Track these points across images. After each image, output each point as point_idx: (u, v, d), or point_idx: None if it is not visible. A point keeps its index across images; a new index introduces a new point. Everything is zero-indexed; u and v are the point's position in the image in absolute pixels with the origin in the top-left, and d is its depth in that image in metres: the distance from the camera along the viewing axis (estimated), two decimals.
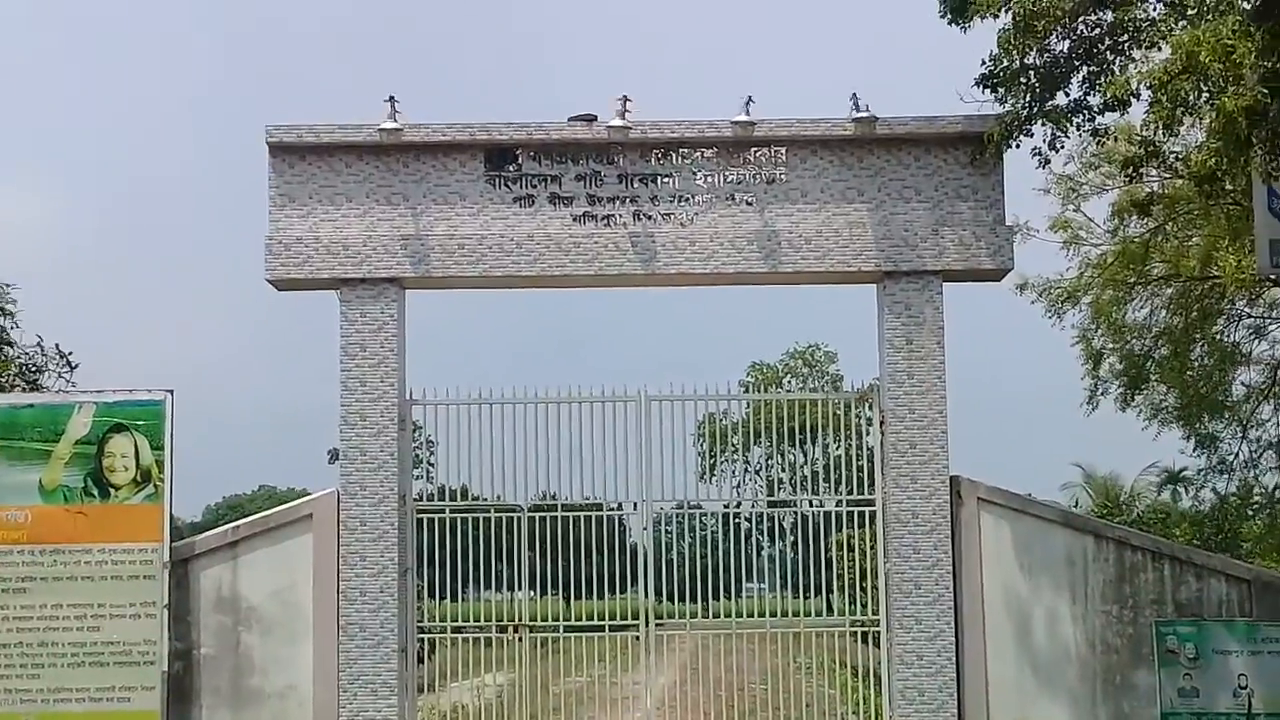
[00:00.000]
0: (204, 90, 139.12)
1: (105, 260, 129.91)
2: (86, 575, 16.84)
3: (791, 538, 18.74)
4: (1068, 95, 16.47)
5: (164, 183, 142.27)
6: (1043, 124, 16.61)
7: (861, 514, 17.94)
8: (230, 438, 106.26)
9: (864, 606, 18.10)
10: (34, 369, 22.48)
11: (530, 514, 17.92)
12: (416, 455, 18.73)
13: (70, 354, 22.75)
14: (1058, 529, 17.52)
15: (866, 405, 18.21)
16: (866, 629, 18.12)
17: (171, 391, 17.23)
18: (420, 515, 17.88)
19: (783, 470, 22.92)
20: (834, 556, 18.73)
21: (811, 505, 18.47)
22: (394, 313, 17.60)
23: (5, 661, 16.68)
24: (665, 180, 17.75)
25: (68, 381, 22.54)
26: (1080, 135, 17.03)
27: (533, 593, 18.19)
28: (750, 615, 18.40)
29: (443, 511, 17.94)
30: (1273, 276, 20.81)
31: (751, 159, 17.75)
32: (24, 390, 21.19)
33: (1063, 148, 16.99)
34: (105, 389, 17.43)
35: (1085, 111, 16.46)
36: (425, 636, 17.99)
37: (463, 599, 18.31)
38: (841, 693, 19.49)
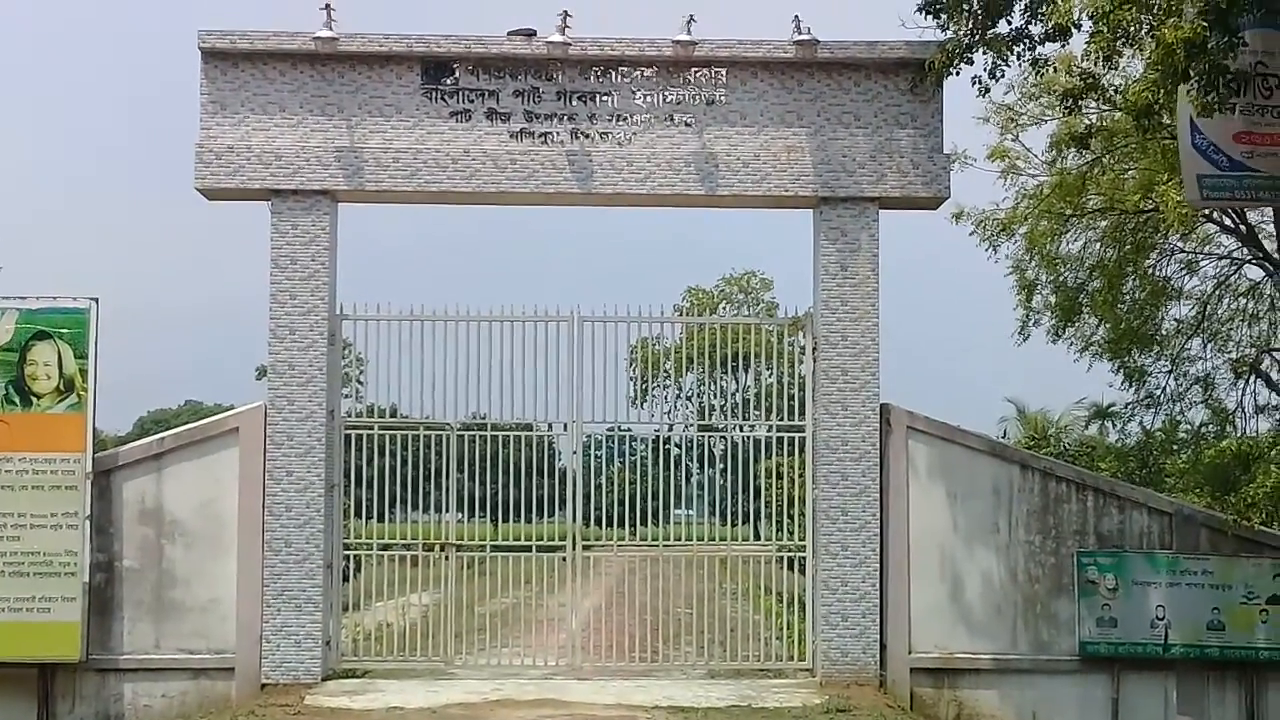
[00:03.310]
0: None
1: (27, 163, 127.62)
2: (6, 485, 16.58)
3: (721, 465, 18.74)
4: (1010, 23, 16.40)
5: (90, 83, 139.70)
6: (984, 52, 16.54)
7: (791, 441, 17.96)
8: (156, 351, 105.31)
9: (790, 533, 18.18)
10: None
11: (459, 433, 17.82)
12: (346, 373, 18.55)
13: None
14: (985, 459, 17.63)
15: (800, 332, 18.20)
16: (793, 555, 18.24)
17: (96, 300, 16.93)
18: (349, 432, 17.74)
19: (715, 396, 22.88)
20: (763, 483, 18.77)
21: (742, 431, 18.46)
22: (326, 225, 17.36)
23: None
24: (604, 99, 17.55)
25: None
26: (1021, 65, 16.98)
27: (460, 514, 18.10)
28: (678, 540, 18.42)
29: (371, 428, 17.82)
30: (1206, 211, 20.98)
31: (691, 79, 17.58)
32: None
33: (1003, 77, 16.95)
34: (28, 295, 17.10)
35: (1026, 40, 16.39)
36: (351, 554, 17.89)
37: (390, 519, 18.22)
38: (766, 618, 19.60)
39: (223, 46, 17.36)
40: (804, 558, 17.80)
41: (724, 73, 17.57)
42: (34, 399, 16.76)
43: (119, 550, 17.07)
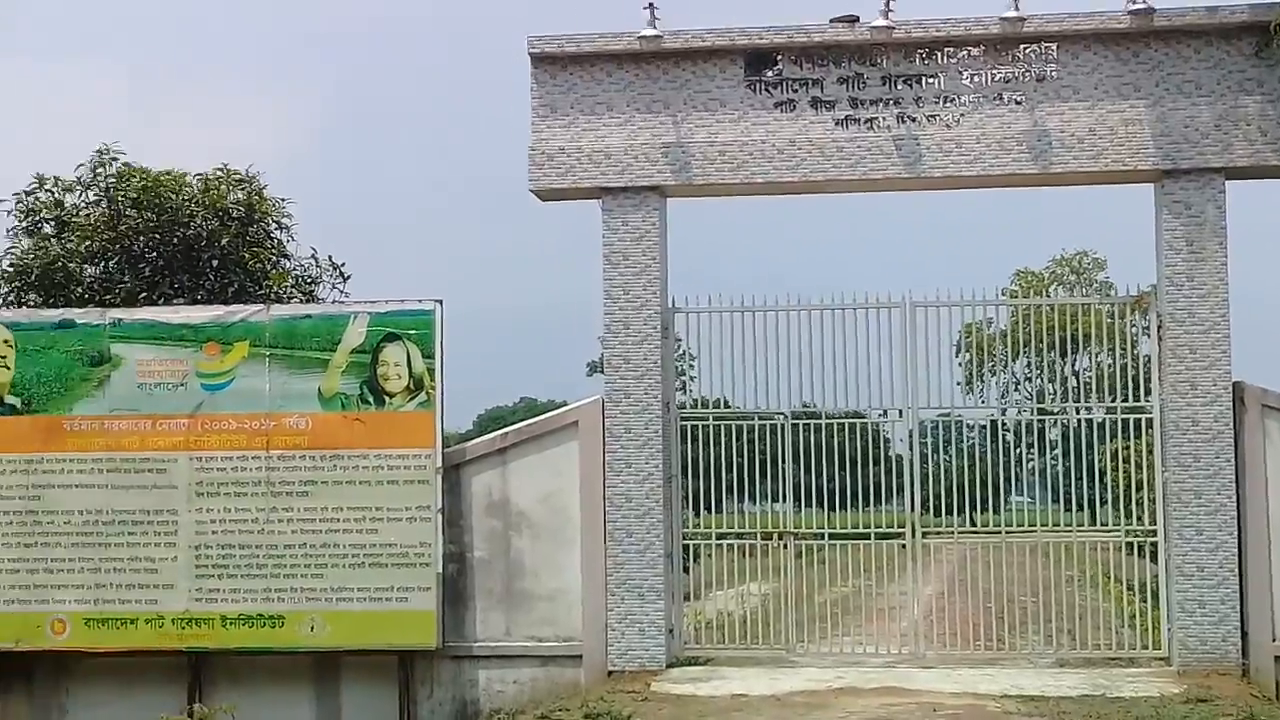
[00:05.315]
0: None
1: (373, 176, 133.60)
2: (364, 480, 17.35)
3: (1058, 449, 18.25)
4: None
5: (423, 95, 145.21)
6: None
7: (1134, 422, 17.37)
8: (491, 351, 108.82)
9: (1138, 518, 17.56)
10: (309, 280, 23.12)
11: (792, 422, 17.83)
12: (676, 367, 18.77)
13: (343, 265, 23.35)
14: None
15: (1140, 311, 17.58)
16: (1142, 540, 17.61)
17: (441, 301, 17.56)
18: (683, 423, 17.96)
19: (1049, 380, 22.34)
20: (1106, 466, 18.19)
21: (1079, 414, 17.93)
22: (655, 220, 17.62)
23: (291, 561, 17.35)
24: (930, 81, 17.30)
25: (341, 292, 23.17)
26: None
27: (794, 504, 18.12)
28: (1019, 526, 18.01)
29: (706, 419, 17.99)
30: None
31: (1020, 56, 17.17)
32: (301, 301, 21.83)
33: None
34: (378, 299, 17.86)
35: None
36: (689, 544, 18.11)
37: (725, 510, 18.36)
38: (1116, 606, 18.99)
39: (551, 51, 17.80)
40: (1153, 543, 17.18)
41: (1054, 47, 17.10)
42: (386, 398, 17.49)
43: (469, 541, 17.69)
